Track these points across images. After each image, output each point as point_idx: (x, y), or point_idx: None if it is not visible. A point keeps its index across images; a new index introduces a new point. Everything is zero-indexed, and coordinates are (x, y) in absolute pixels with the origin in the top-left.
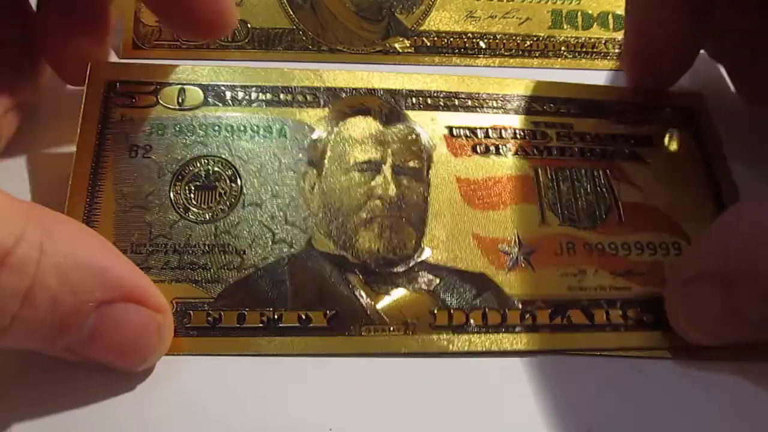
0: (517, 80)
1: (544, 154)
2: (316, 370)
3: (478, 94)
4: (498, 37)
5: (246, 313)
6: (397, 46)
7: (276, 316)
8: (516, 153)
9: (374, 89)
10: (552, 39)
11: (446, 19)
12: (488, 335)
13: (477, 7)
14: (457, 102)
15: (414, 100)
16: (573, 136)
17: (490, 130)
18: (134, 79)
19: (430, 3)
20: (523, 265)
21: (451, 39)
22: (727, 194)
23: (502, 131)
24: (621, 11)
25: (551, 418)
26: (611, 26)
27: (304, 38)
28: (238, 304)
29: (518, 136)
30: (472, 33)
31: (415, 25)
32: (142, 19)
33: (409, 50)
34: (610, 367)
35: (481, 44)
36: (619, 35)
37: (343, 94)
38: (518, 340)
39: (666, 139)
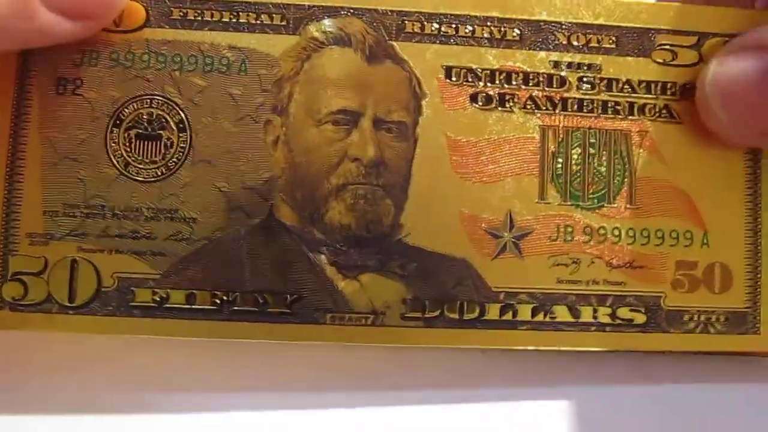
0: None
1: (558, 108)
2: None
3: (490, 18)
4: None
5: (196, 293)
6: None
7: (230, 298)
8: (524, 106)
9: (356, 9)
10: None
11: None
12: (463, 330)
13: None
14: (460, 29)
15: (406, 24)
16: (599, 83)
17: (497, 73)
18: None
19: None
20: (511, 251)
21: None
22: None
23: (512, 75)
24: None
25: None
26: None
27: None
28: (187, 282)
29: (530, 83)
30: None
31: None
32: None
33: None
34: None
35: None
36: None
37: (319, 15)
38: (495, 337)
39: None
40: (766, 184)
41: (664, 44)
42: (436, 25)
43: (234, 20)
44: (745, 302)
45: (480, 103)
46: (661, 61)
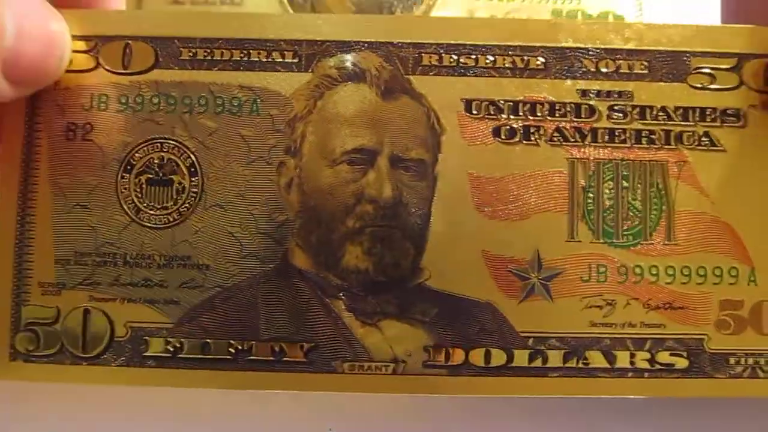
0: (566, 23)
1: (587, 139)
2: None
3: (512, 47)
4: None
5: (210, 342)
6: None
7: (245, 348)
8: (551, 139)
9: (371, 43)
10: None
11: None
12: (490, 378)
13: (477, 7)
14: (480, 60)
15: (423, 57)
16: (631, 111)
17: (520, 105)
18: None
19: (431, 2)
20: (540, 293)
21: None
22: None
23: (537, 106)
24: (621, 11)
25: None
26: None
27: None
28: (201, 330)
29: (557, 113)
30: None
31: None
32: None
33: None
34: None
35: None
36: None
37: (332, 51)
38: (524, 385)
39: (756, 114)
40: None
41: (701, 67)
42: (454, 57)
43: (245, 59)
44: None
45: (503, 137)
46: (698, 85)
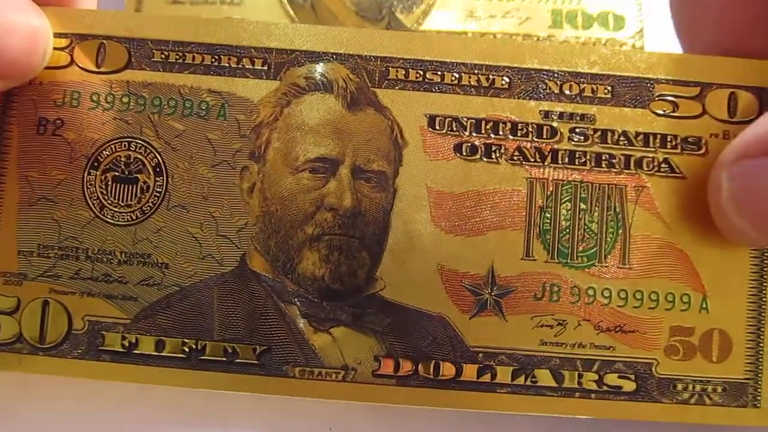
0: (533, 44)
1: (547, 160)
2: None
3: (478, 65)
4: (498, 36)
5: (165, 340)
6: None
7: (199, 347)
8: (511, 158)
9: (339, 54)
10: (552, 39)
11: (446, 19)
12: (438, 390)
13: (477, 7)
14: (446, 76)
15: (390, 71)
16: (592, 134)
17: (483, 123)
18: None
19: (431, 2)
20: (492, 309)
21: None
22: None
23: (499, 125)
24: (621, 11)
25: None
26: (611, 26)
27: None
28: (156, 328)
29: (519, 133)
30: (472, 33)
31: (415, 25)
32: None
33: None
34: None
35: None
36: (620, 35)
37: (301, 60)
38: (471, 399)
39: (718, 143)
40: None
41: (665, 95)
42: (420, 72)
43: (215, 64)
44: (745, 372)
45: (464, 154)
46: (661, 112)
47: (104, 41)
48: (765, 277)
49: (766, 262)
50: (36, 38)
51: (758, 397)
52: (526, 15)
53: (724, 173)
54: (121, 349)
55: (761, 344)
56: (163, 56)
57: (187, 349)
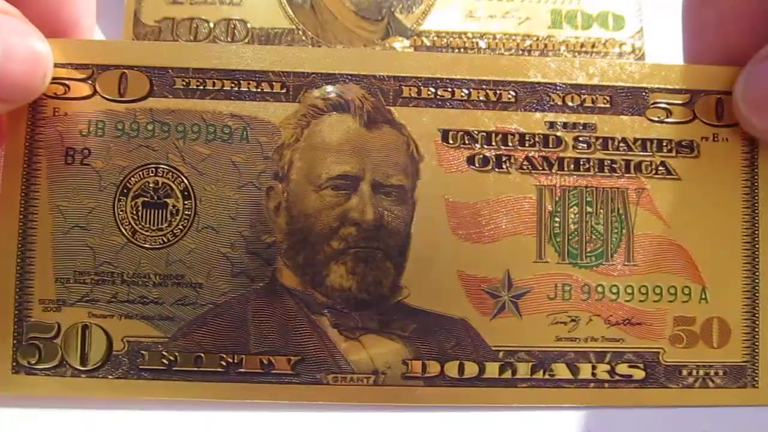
0: (536, 60)
1: (554, 167)
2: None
3: (486, 81)
4: (498, 36)
5: (203, 356)
6: (396, 45)
7: (236, 361)
8: (521, 167)
9: (355, 75)
10: (551, 39)
11: (446, 19)
12: (463, 389)
13: (477, 7)
14: (456, 93)
15: (403, 90)
16: (594, 142)
17: (493, 135)
18: (67, 61)
19: (431, 2)
20: (510, 310)
21: (451, 39)
22: (766, 238)
23: (508, 137)
24: (621, 11)
25: None
26: (611, 26)
27: (303, 38)
28: (194, 345)
29: (526, 143)
30: (472, 33)
31: (414, 25)
32: (142, 19)
33: (409, 50)
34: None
35: (481, 44)
36: (619, 35)
37: (318, 83)
38: (494, 395)
39: (708, 146)
40: (765, 239)
41: (658, 102)
42: (432, 90)
43: (235, 89)
44: (743, 356)
45: (477, 165)
46: (655, 118)
47: (125, 71)
48: (757, 266)
49: (757, 253)
50: (36, 62)
51: (756, 378)
52: (525, 15)
53: (746, 67)
54: (162, 367)
55: (756, 329)
56: (184, 83)
57: (224, 363)
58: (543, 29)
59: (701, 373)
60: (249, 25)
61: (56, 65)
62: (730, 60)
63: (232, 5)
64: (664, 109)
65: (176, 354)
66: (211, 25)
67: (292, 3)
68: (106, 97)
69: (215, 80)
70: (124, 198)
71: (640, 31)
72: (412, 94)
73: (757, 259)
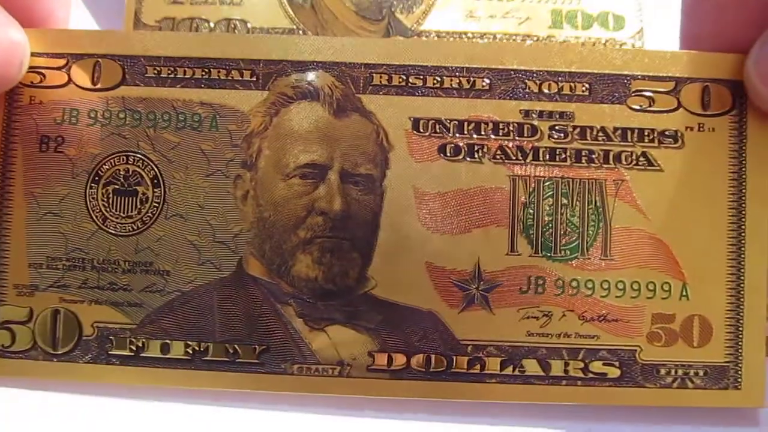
0: (512, 45)
1: (529, 157)
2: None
3: (459, 68)
4: (498, 36)
5: (170, 343)
6: None
7: (202, 348)
8: (494, 157)
9: (325, 63)
10: (552, 39)
11: (446, 19)
12: (430, 382)
13: (477, 7)
14: (428, 80)
15: (374, 77)
16: (571, 131)
17: (465, 124)
18: (43, 50)
19: (431, 2)
20: (479, 303)
21: (451, 39)
22: (752, 234)
23: (481, 125)
24: (621, 11)
25: None
26: (611, 26)
27: None
28: (161, 332)
29: (500, 132)
30: (473, 33)
31: (415, 25)
32: (143, 19)
33: None
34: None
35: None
36: (619, 35)
37: (288, 70)
38: (462, 390)
39: (693, 136)
40: (751, 234)
41: (641, 90)
42: (403, 77)
43: (205, 77)
44: (726, 356)
45: (448, 155)
46: (637, 107)
47: (99, 59)
48: (742, 263)
49: (743, 249)
50: (13, 51)
51: (739, 379)
52: (526, 15)
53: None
54: (130, 353)
55: (740, 328)
56: (155, 72)
57: (191, 351)
58: (543, 29)
59: (680, 372)
60: (249, 25)
61: (33, 54)
62: (728, 50)
63: (232, 5)
64: (647, 97)
65: (144, 340)
66: (212, 24)
67: (292, 3)
68: (80, 85)
69: (186, 68)
70: (96, 185)
71: (640, 31)
72: (383, 82)
73: (742, 255)
